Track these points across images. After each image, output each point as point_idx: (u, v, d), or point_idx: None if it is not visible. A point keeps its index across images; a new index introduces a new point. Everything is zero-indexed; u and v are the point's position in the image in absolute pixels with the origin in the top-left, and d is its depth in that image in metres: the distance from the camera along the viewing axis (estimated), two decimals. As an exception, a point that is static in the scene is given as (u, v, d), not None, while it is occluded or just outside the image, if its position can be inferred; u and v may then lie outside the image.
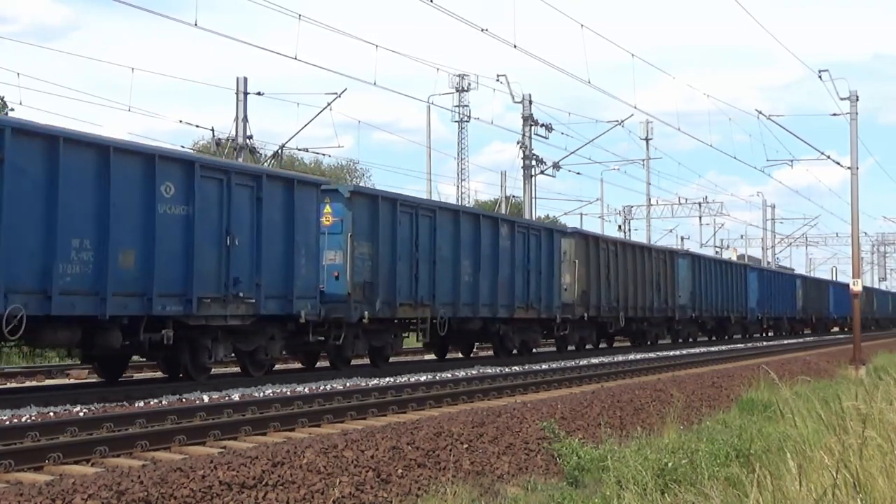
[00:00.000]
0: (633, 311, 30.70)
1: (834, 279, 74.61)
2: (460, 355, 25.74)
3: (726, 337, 42.23)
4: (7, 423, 9.88)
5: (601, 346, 31.81)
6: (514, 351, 24.69)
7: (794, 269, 73.40)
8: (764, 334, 50.19)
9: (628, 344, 34.34)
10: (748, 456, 9.26)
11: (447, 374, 17.81)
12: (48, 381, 17.13)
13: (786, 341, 44.23)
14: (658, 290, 32.88)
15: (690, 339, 38.67)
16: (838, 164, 31.28)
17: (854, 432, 7.05)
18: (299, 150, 39.70)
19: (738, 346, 36.90)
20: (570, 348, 28.04)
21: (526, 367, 20.54)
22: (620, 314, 29.28)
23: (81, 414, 11.01)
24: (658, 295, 32.91)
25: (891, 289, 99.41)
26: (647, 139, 54.44)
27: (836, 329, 67.04)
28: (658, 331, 34.65)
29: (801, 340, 45.28)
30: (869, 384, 14.46)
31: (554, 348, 28.01)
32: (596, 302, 27.79)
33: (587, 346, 29.38)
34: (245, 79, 29.96)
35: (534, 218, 36.46)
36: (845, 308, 64.72)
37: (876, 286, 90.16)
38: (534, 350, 25.84)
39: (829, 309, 62.65)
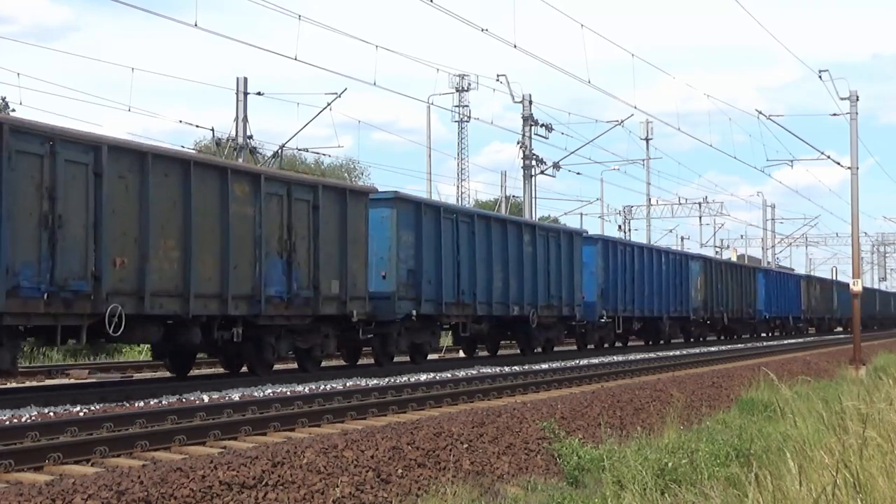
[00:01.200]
0: (214, 304, 14.91)
1: (751, 261, 63.72)
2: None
3: (521, 351, 25.81)
4: (7, 423, 9.87)
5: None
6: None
7: (793, 269, 72.61)
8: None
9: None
10: (748, 456, 9.26)
11: (447, 374, 17.81)
12: (48, 381, 17.13)
13: (787, 341, 43.47)
14: (298, 266, 16.70)
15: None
16: (838, 164, 31.29)
17: (854, 432, 7.06)
18: (299, 150, 39.81)
19: (739, 345, 36.80)
20: None
21: (526, 367, 20.54)
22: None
23: (81, 414, 11.00)
24: (288, 274, 16.42)
25: (890, 289, 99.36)
26: (647, 139, 54.50)
27: (778, 334, 51.13)
28: (304, 342, 17.43)
29: (801, 340, 44.74)
30: (869, 384, 14.50)
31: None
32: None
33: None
34: (245, 79, 30.00)
35: (535, 218, 36.37)
36: (784, 305, 49.90)
37: (874, 285, 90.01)
38: None
39: (755, 306, 45.30)
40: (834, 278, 63.35)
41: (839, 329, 63.61)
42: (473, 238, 22.00)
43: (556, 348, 27.66)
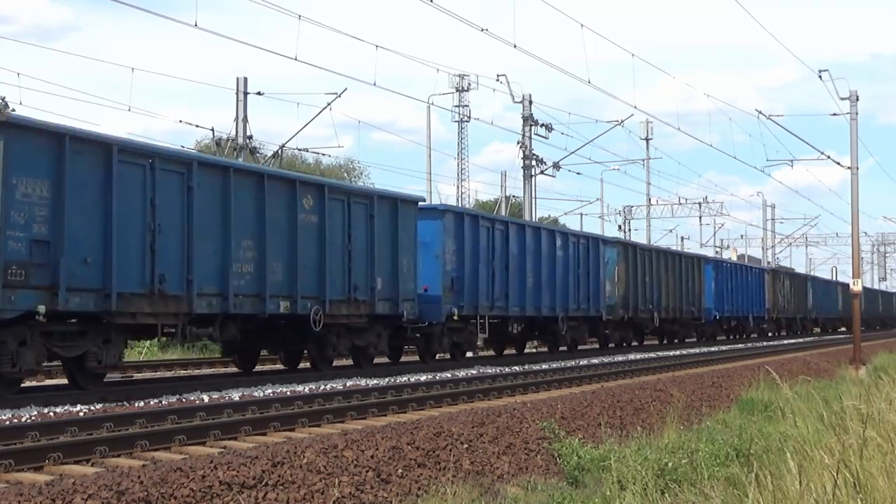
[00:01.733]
0: None
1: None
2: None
3: (312, 366, 18.49)
4: (7, 423, 9.87)
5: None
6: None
7: (793, 269, 72.28)
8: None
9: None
10: (748, 456, 9.26)
11: (447, 374, 17.81)
12: (48, 381, 17.11)
13: (786, 341, 43.52)
14: None
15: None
16: (838, 164, 31.32)
17: (854, 432, 7.06)
18: (299, 150, 39.78)
19: (738, 346, 36.76)
20: None
21: (526, 367, 20.53)
22: None
23: (81, 414, 11.01)
24: None
25: (890, 289, 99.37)
26: (647, 139, 54.51)
27: (734, 337, 42.93)
28: None
29: (801, 340, 44.70)
30: (869, 384, 14.50)
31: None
32: None
33: None
34: (245, 79, 29.98)
35: (535, 219, 36.34)
36: (742, 303, 42.21)
37: (876, 286, 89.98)
38: None
39: (701, 304, 37.44)
40: (832, 276, 62.42)
41: (817, 330, 57.31)
42: (155, 193, 13.59)
43: (397, 360, 21.11)
